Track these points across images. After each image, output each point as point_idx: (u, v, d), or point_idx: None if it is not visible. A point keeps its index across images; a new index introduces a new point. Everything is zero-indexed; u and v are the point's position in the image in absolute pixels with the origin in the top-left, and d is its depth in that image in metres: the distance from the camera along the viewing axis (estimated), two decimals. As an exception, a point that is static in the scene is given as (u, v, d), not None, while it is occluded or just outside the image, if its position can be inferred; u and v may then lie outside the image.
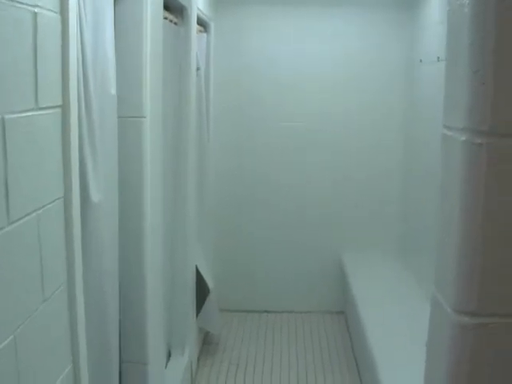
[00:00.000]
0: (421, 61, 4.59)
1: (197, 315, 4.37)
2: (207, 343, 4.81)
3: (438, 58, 3.98)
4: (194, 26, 3.85)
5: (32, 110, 1.47)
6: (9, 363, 1.36)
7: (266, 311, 5.48)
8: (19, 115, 1.39)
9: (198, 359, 4.48)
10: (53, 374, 1.65)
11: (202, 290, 4.38)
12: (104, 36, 2.19)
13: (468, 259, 1.05)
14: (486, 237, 1.03)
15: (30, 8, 1.43)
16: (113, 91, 2.31)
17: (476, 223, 1.04)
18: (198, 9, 3.97)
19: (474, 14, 1.00)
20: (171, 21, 3.39)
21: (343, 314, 5.34)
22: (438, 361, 1.17)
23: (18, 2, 1.37)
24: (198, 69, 4.05)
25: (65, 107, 1.68)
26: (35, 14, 1.46)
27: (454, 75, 1.11)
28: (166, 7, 3.16)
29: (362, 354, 4.14)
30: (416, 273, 4.64)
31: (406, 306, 4.14)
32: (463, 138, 1.04)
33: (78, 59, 1.82)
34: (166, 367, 3.61)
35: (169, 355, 3.91)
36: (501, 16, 0.97)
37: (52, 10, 1.58)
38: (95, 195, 2.03)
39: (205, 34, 4.60)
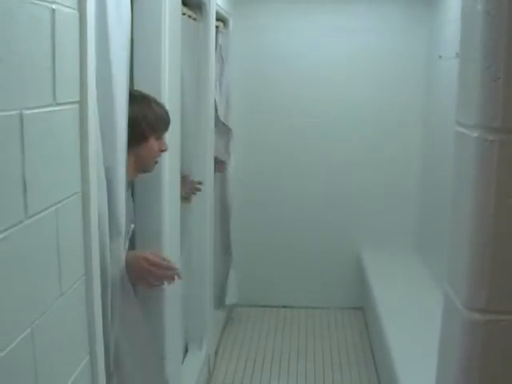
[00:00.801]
0: (440, 57, 4.56)
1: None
2: (225, 337, 4.84)
3: (457, 53, 3.95)
4: (213, 22, 3.86)
5: (50, 105, 1.48)
6: (26, 356, 1.38)
7: (284, 306, 5.49)
8: (37, 111, 1.41)
9: (216, 353, 4.50)
10: (70, 365, 1.67)
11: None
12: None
13: (479, 255, 1.05)
14: (497, 233, 1.04)
15: (47, 5, 1.45)
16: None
17: (487, 220, 1.04)
18: (217, 4, 3.98)
19: (487, 10, 1.00)
20: (190, 16, 3.40)
21: (361, 310, 5.34)
22: (449, 356, 1.18)
23: (36, -1, 1.39)
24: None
25: (82, 103, 1.69)
26: (53, 10, 1.47)
27: (466, 71, 1.11)
28: (185, 3, 3.17)
29: (379, 350, 4.14)
30: (434, 268, 4.62)
31: (424, 302, 4.13)
32: (475, 135, 1.04)
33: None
34: (182, 362, 3.63)
35: (186, 350, 3.93)
36: (513, 13, 0.97)
37: (70, 7, 1.59)
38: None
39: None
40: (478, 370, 1.09)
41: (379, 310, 4.12)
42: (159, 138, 2.49)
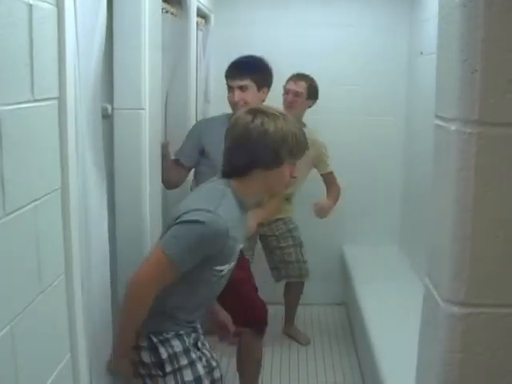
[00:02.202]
0: (421, 53, 4.58)
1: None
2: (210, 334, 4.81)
3: (438, 49, 3.97)
4: (194, 18, 3.85)
5: (28, 101, 1.47)
6: (6, 354, 1.37)
7: (268, 303, 5.46)
8: (15, 107, 1.39)
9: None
10: (51, 363, 1.66)
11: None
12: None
13: (458, 249, 1.05)
14: (476, 226, 1.04)
15: (25, 0, 1.44)
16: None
17: (466, 213, 1.04)
18: (198, 0, 3.96)
19: (463, 3, 1.01)
20: (169, 12, 3.37)
21: (344, 306, 5.35)
22: (430, 350, 1.18)
23: (13, -6, 1.37)
24: None
25: (61, 99, 1.68)
26: (30, 5, 1.46)
27: (444, 65, 1.11)
28: (165, -1, 3.15)
29: (362, 345, 4.15)
30: (416, 263, 4.64)
31: (407, 297, 4.13)
32: (453, 128, 1.04)
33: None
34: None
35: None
36: (489, 6, 0.97)
37: (48, 2, 1.58)
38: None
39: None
40: (459, 363, 1.10)
41: (362, 305, 4.13)
42: (294, 164, 2.30)
